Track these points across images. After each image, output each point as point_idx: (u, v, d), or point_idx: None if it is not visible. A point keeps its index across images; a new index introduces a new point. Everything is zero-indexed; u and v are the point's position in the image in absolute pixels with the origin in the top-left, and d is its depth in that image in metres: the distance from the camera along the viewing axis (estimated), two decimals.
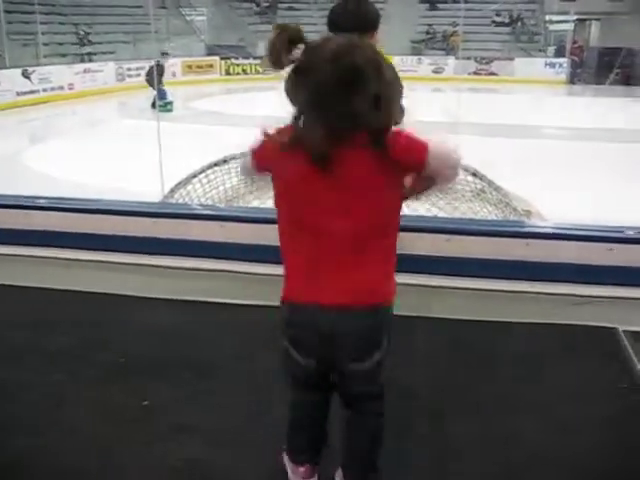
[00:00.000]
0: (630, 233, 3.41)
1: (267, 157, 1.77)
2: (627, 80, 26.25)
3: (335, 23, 3.09)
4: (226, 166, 4.24)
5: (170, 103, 16.94)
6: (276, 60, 1.68)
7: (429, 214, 3.56)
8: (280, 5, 30.46)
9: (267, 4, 30.22)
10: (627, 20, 28.40)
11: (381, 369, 1.80)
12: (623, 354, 2.79)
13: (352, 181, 1.63)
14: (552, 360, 2.76)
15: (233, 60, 26.78)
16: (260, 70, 27.28)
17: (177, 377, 2.61)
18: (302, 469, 1.94)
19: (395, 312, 1.80)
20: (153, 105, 15.73)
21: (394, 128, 1.65)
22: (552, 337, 2.95)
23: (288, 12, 30.13)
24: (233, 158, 4.21)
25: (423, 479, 2.07)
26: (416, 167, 1.68)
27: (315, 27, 28.43)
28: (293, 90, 1.66)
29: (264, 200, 4.19)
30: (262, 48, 28.17)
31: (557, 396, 2.49)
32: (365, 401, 1.83)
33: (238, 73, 26.72)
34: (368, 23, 3.07)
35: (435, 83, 23.19)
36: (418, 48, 27.87)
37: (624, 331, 2.96)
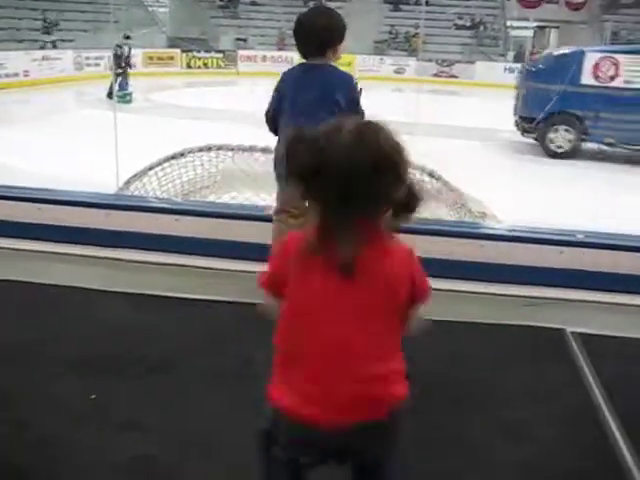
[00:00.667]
0: (580, 237, 3.49)
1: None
2: None
3: (302, 35, 3.08)
4: (183, 159, 4.21)
5: (129, 94, 16.66)
6: None
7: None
8: (243, 0, 30.30)
9: None
10: (584, 29, 29.02)
11: None
12: (571, 355, 2.85)
13: None
14: (503, 361, 2.80)
15: (195, 53, 26.55)
16: (222, 64, 27.17)
17: (133, 372, 2.57)
18: None
19: None
20: (109, 95, 15.46)
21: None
22: (504, 338, 2.98)
23: (251, 7, 30.00)
24: (190, 152, 4.19)
25: None
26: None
27: (278, 23, 28.41)
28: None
29: (220, 194, 4.18)
30: (224, 42, 28.06)
31: (507, 396, 2.53)
32: None
33: (199, 67, 26.50)
34: (336, 38, 3.08)
35: (396, 83, 23.34)
36: (380, 48, 28.02)
37: (572, 332, 3.02)
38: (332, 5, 29.23)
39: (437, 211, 3.78)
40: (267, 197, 3.92)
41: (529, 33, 29.68)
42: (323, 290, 1.45)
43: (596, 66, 11.46)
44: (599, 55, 11.63)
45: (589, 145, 11.68)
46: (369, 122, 1.46)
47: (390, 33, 28.23)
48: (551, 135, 11.78)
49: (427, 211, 3.69)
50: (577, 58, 11.51)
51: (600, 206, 7.00)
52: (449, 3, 30.00)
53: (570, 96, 11.25)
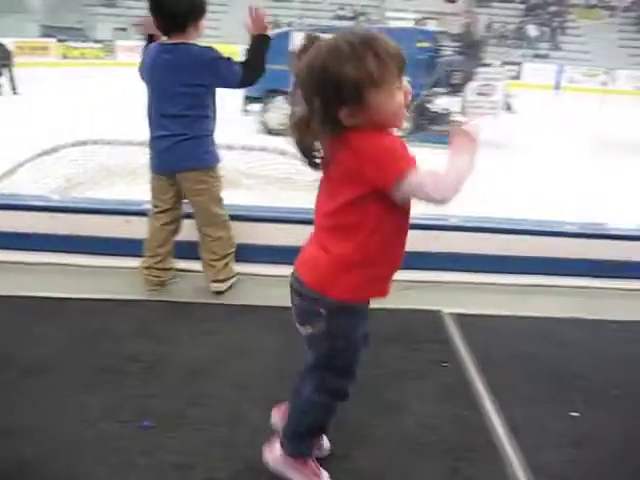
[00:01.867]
0: (454, 221, 3.64)
1: None
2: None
3: (159, 11, 2.95)
4: (56, 155, 4.06)
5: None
6: None
7: (268, 204, 3.61)
8: None
9: None
10: (459, 21, 30.10)
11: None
12: (446, 334, 2.97)
13: None
14: (381, 344, 2.87)
15: (71, 43, 25.52)
16: (100, 55, 26.25)
17: (5, 377, 2.46)
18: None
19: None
20: None
21: None
22: (381, 322, 3.06)
23: None
24: (63, 147, 4.04)
25: None
26: None
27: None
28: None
29: (97, 190, 4.06)
30: (101, 31, 27.12)
31: (386, 377, 2.61)
32: None
33: (76, 57, 25.50)
34: (197, 12, 2.96)
35: None
36: None
37: (448, 313, 3.15)
38: None
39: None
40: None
41: (408, 24, 30.43)
42: None
43: None
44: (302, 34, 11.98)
45: None
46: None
47: (272, 23, 28.21)
48: (266, 114, 12.47)
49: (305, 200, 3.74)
50: (285, 38, 11.35)
51: None
52: None
53: (280, 75, 11.47)
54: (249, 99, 12.83)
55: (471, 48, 13.47)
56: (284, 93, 11.65)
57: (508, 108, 12.91)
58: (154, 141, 3.09)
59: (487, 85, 12.38)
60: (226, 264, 3.24)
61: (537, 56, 28.99)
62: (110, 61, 26.02)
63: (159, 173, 3.14)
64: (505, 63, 27.59)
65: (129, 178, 4.08)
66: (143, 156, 4.00)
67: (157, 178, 3.16)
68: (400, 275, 3.44)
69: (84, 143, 3.98)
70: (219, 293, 3.27)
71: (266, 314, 3.03)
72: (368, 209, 1.68)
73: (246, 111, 13.00)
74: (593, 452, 2.24)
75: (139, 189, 4.11)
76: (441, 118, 12.04)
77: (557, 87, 27.35)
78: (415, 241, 3.45)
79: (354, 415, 2.28)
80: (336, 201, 1.70)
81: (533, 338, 3.02)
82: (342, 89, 1.56)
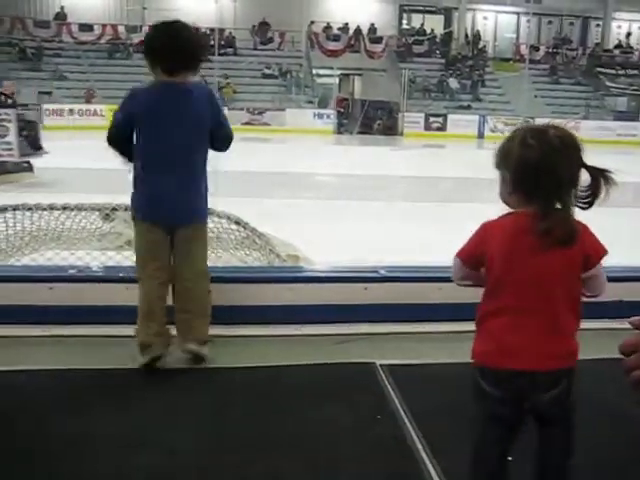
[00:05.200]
0: (383, 272, 3.67)
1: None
2: (387, 130, 28.56)
3: (173, 48, 2.78)
4: None
5: None
6: None
7: None
8: (46, 52, 29.20)
9: (32, 50, 28.81)
10: (383, 76, 31.06)
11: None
12: (380, 386, 2.97)
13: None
14: (316, 399, 2.85)
15: None
16: None
17: None
18: None
19: None
20: None
21: None
22: (316, 376, 3.05)
23: (54, 59, 28.98)
24: (4, 209, 3.91)
25: None
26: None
27: (84, 75, 27.59)
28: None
29: (19, 257, 3.94)
30: (26, 95, 26.73)
31: (321, 433, 2.57)
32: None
33: None
34: (197, 60, 2.88)
35: None
36: None
37: (381, 365, 3.15)
38: (138, 57, 28.63)
39: (246, 258, 3.82)
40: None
41: (334, 80, 31.20)
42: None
43: None
44: None
45: None
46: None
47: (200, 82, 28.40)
48: None
49: (235, 258, 3.73)
50: None
51: None
52: (256, 53, 30.90)
53: None
54: None
55: None
56: None
57: (39, 148, 13.25)
58: (160, 187, 2.83)
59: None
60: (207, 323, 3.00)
61: (460, 107, 30.02)
62: None
63: (166, 223, 2.88)
64: (430, 115, 28.58)
65: (53, 244, 3.99)
66: (67, 220, 3.94)
67: (153, 230, 2.89)
68: (333, 329, 3.47)
69: (4, 209, 3.87)
70: (199, 360, 2.99)
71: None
72: None
73: None
74: None
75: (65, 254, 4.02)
76: None
77: (481, 136, 28.30)
78: (346, 294, 3.52)
79: (281, 471, 2.24)
80: None
81: (464, 385, 3.04)
82: None
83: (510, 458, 1.97)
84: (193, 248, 2.93)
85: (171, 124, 2.81)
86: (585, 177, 1.81)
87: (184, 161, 2.87)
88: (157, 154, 2.84)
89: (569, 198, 1.81)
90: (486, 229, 1.88)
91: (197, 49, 2.88)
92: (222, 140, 2.96)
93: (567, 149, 1.80)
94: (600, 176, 1.80)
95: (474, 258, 1.90)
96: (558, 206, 1.80)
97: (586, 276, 1.86)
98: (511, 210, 1.87)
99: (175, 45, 2.80)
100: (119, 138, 2.86)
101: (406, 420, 2.68)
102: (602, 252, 1.85)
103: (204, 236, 3.02)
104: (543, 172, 1.78)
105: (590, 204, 1.83)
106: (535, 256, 1.82)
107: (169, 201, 2.85)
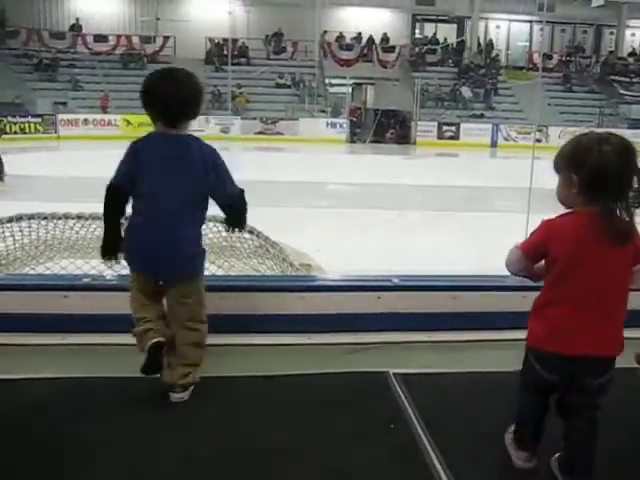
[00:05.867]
0: (396, 281, 3.66)
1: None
2: (399, 139, 28.59)
3: (169, 101, 2.69)
4: None
5: None
6: None
7: (207, 273, 3.56)
8: (62, 62, 29.51)
9: (48, 62, 29.12)
10: (396, 85, 31.10)
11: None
12: (393, 395, 2.96)
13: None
14: (330, 408, 2.84)
15: (10, 118, 25.34)
16: (40, 129, 26.12)
17: None
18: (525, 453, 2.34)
19: None
20: None
21: None
22: (329, 385, 3.04)
23: (70, 69, 29.27)
24: (20, 218, 3.95)
25: None
26: None
27: (99, 85, 27.90)
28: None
29: (34, 265, 3.98)
30: (42, 105, 27.02)
31: (334, 443, 2.57)
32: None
33: (15, 132, 25.30)
34: (197, 107, 2.79)
35: (223, 142, 23.59)
36: (205, 108, 28.29)
37: (394, 374, 3.13)
38: (153, 68, 29.30)
39: (259, 266, 3.83)
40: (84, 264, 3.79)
41: (347, 90, 31.29)
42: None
43: None
44: None
45: None
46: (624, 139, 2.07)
47: (214, 94, 28.59)
48: None
49: (248, 267, 3.73)
50: None
51: None
52: (269, 63, 31.05)
53: None
54: None
55: None
56: None
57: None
58: (153, 238, 2.74)
59: None
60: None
61: (473, 116, 30.00)
62: (51, 135, 26.01)
63: (159, 274, 2.82)
64: (443, 124, 28.57)
65: (68, 252, 4.02)
66: (81, 229, 3.96)
67: (144, 281, 2.83)
68: (348, 338, 3.46)
69: (19, 218, 3.91)
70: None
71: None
72: None
73: None
74: None
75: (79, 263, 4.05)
76: None
77: (494, 145, 28.25)
78: (360, 303, 3.52)
79: None
80: None
81: (477, 394, 3.03)
82: None
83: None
84: (188, 298, 2.88)
85: (168, 175, 2.74)
86: None
87: (183, 213, 2.78)
88: (149, 202, 2.74)
89: (627, 199, 2.05)
90: (551, 227, 2.13)
91: (195, 103, 2.79)
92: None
93: (629, 156, 2.05)
94: None
95: (537, 252, 2.17)
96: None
97: (636, 269, 2.11)
98: (569, 210, 2.14)
99: (169, 98, 2.70)
100: (117, 192, 2.77)
101: (420, 430, 2.67)
102: None
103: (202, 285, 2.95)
104: (613, 176, 2.03)
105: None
106: (599, 252, 2.06)
107: (161, 253, 2.80)
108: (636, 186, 2.06)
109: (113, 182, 2.75)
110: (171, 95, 2.69)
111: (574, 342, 2.10)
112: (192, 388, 2.87)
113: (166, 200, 2.71)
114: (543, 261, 2.20)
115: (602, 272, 2.08)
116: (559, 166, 2.15)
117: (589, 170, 2.03)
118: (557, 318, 2.13)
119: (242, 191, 2.86)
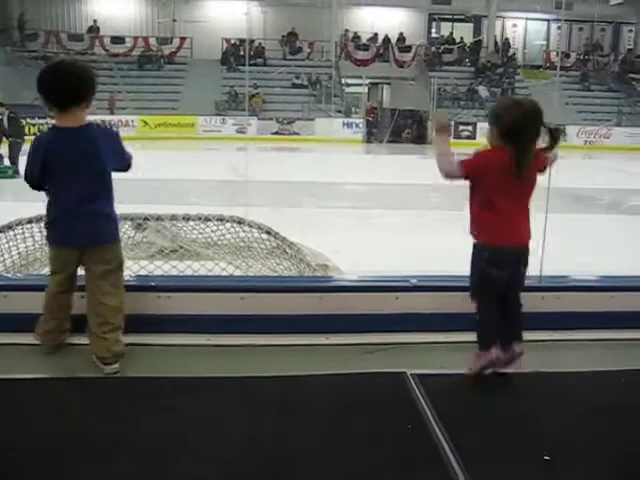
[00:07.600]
0: (414, 282, 3.65)
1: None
2: (416, 139, 28.49)
3: (62, 85, 3.02)
4: (11, 232, 4.00)
5: (9, 167, 14.81)
6: None
7: (225, 273, 3.58)
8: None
9: None
10: (413, 85, 31.01)
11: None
12: (411, 396, 2.95)
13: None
14: (348, 409, 2.85)
15: (29, 120, 25.56)
16: None
17: None
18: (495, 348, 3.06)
19: None
20: None
21: None
22: (346, 386, 3.04)
23: None
24: (19, 223, 4.00)
25: None
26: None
27: (115, 87, 27.79)
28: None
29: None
30: None
31: (351, 445, 2.57)
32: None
33: (34, 133, 25.49)
34: (87, 95, 3.07)
35: (239, 143, 23.65)
36: (221, 109, 28.37)
37: (412, 374, 3.13)
38: (168, 68, 29.23)
39: (277, 267, 3.84)
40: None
41: (363, 90, 31.23)
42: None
43: None
44: None
45: None
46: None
47: (230, 94, 28.66)
48: None
49: (265, 267, 3.74)
50: None
51: None
52: (285, 63, 31.08)
53: None
54: None
55: None
56: None
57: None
58: (71, 217, 3.09)
59: None
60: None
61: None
62: None
63: (74, 246, 3.14)
64: (460, 123, 28.44)
65: None
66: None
67: (64, 251, 3.16)
68: (364, 338, 3.46)
69: (39, 219, 3.94)
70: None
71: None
72: None
73: None
74: None
75: None
76: None
77: None
78: (377, 304, 3.52)
79: None
80: None
81: (496, 394, 3.02)
82: None
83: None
84: (106, 265, 3.20)
85: (76, 162, 3.05)
86: None
87: (94, 192, 3.12)
88: (60, 187, 3.09)
89: (530, 144, 2.93)
90: (485, 156, 3.06)
91: (88, 86, 3.09)
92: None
93: (536, 115, 2.91)
94: (553, 131, 2.94)
95: (475, 171, 3.03)
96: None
97: (548, 155, 3.06)
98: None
99: (64, 81, 3.03)
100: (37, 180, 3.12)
101: (437, 430, 2.66)
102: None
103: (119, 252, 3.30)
104: (518, 130, 2.89)
105: (551, 147, 2.98)
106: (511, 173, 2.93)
107: (77, 226, 3.15)
108: (552, 127, 2.93)
109: (28, 172, 3.12)
110: (57, 80, 3.03)
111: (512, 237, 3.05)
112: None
113: (81, 180, 3.08)
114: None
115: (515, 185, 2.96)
116: (489, 120, 3.08)
117: (502, 125, 2.93)
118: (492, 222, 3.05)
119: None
